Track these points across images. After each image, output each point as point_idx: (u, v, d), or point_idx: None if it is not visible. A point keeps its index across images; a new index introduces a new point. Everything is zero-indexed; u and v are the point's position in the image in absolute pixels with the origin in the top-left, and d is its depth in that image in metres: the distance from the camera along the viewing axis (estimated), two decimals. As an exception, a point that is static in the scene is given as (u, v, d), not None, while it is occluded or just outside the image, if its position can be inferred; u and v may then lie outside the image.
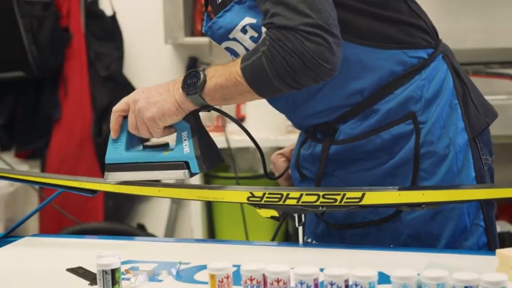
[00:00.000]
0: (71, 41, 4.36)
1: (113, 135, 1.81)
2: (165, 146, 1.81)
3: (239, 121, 2.00)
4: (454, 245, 1.79)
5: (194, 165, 1.75)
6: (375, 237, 1.82)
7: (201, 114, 1.79)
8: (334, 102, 1.79)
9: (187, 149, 1.76)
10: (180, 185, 1.88)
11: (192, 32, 4.36)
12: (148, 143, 1.83)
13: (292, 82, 1.64)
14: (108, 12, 4.45)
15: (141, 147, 1.83)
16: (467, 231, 1.80)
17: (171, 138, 1.81)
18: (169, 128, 1.77)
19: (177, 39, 4.25)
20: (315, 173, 1.84)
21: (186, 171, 1.76)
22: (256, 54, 1.65)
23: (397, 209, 1.78)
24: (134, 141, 1.82)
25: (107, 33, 4.46)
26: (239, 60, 1.68)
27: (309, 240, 1.95)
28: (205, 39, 4.23)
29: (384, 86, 1.77)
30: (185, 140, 1.76)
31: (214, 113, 4.34)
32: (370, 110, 1.78)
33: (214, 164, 1.80)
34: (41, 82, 4.40)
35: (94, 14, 4.42)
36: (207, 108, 1.75)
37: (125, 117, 1.80)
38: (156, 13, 4.35)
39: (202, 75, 1.70)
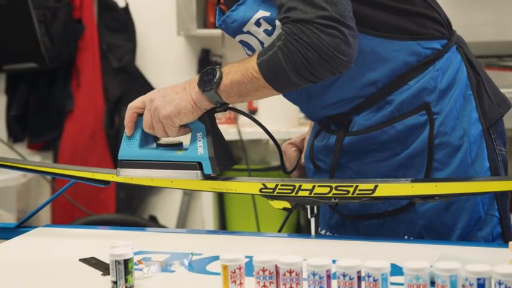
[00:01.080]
0: (84, 32, 4.37)
1: (127, 132, 1.82)
2: (178, 146, 1.81)
3: (251, 115, 1.99)
4: (469, 235, 1.78)
5: (207, 167, 1.76)
6: (390, 228, 1.82)
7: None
8: (348, 93, 1.79)
9: (201, 149, 1.77)
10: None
11: (204, 24, 4.36)
12: (161, 142, 1.83)
13: (309, 75, 1.64)
14: (121, 4, 4.46)
15: (154, 145, 1.83)
16: (481, 221, 1.79)
17: (183, 138, 1.82)
18: (184, 128, 1.78)
19: (190, 31, 4.25)
20: (329, 165, 1.84)
21: (199, 172, 1.77)
22: (273, 49, 1.65)
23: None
24: (148, 139, 1.83)
25: (119, 24, 4.47)
26: (255, 56, 1.69)
27: (323, 231, 1.95)
28: (217, 31, 4.23)
29: (397, 77, 1.77)
30: (199, 140, 1.77)
31: (226, 105, 4.35)
32: (384, 101, 1.78)
33: (227, 166, 1.81)
34: (53, 74, 4.41)
35: (107, 5, 4.43)
36: (223, 106, 1.76)
37: (140, 115, 1.80)
38: (169, 5, 4.36)
39: (218, 72, 1.71)
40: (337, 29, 1.61)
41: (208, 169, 1.77)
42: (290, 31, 1.63)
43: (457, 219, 1.79)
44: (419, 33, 1.78)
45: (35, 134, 4.49)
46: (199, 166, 1.77)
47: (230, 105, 1.79)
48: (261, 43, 1.76)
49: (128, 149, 1.82)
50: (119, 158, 1.83)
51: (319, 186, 1.73)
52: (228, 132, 3.72)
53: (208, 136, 1.76)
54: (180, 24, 4.24)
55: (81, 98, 4.39)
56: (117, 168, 1.84)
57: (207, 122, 1.77)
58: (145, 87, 4.47)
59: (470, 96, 1.81)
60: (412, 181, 1.69)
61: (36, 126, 4.47)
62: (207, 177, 1.78)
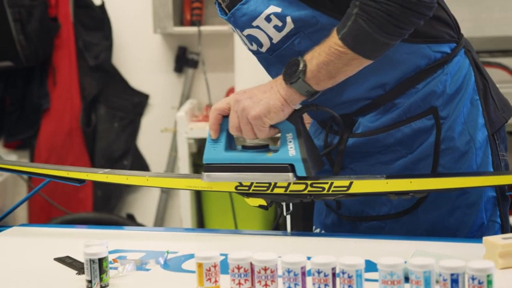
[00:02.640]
0: (60, 30, 4.35)
1: (212, 135, 1.75)
2: (265, 148, 1.76)
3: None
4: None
5: (300, 169, 1.71)
6: (391, 231, 1.81)
7: (192, 103, 1.78)
8: (356, 94, 1.77)
9: (292, 151, 1.71)
10: (168, 174, 1.88)
11: (181, 21, 4.35)
12: (247, 144, 1.77)
13: (396, 30, 1.60)
14: (97, 2, 4.44)
15: (239, 148, 1.78)
16: (484, 227, 1.79)
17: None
18: (273, 128, 1.72)
19: (166, 29, 4.24)
20: (329, 165, 1.84)
21: (291, 174, 1.71)
22: (350, 18, 1.61)
23: (415, 203, 1.77)
24: (232, 142, 1.77)
25: (95, 22, 4.45)
26: (334, 33, 1.63)
27: (317, 230, 1.95)
28: (194, 29, 4.22)
29: (406, 80, 1.75)
30: (290, 141, 1.71)
31: (203, 102, 4.35)
32: (391, 104, 1.76)
33: (318, 167, 1.75)
34: (29, 72, 4.39)
35: (82, 3, 4.41)
36: (314, 96, 1.69)
37: (225, 117, 1.74)
38: (145, 3, 4.34)
39: (301, 61, 1.65)
40: None
41: (301, 171, 1.71)
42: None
43: (459, 225, 1.78)
44: (432, 36, 1.76)
45: (11, 133, 4.47)
46: (291, 168, 1.71)
47: (318, 105, 1.74)
48: (270, 38, 1.75)
49: (214, 152, 1.75)
50: (204, 162, 1.76)
51: (294, 183, 1.73)
52: (205, 130, 3.71)
53: (299, 137, 1.71)
54: (156, 22, 4.23)
55: (57, 96, 4.38)
56: (203, 173, 1.77)
57: (297, 123, 1.71)
58: (122, 85, 4.46)
59: (477, 101, 1.79)
60: (387, 177, 1.69)
61: (12, 125, 4.45)
62: (299, 178, 1.73)
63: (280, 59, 1.76)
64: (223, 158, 1.75)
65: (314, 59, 1.64)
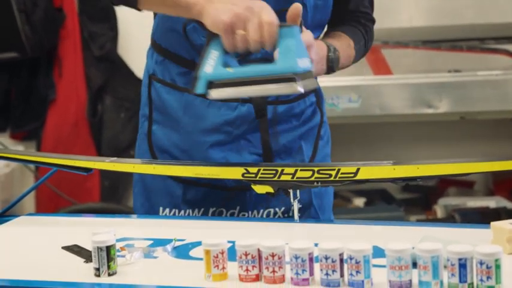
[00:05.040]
0: (65, 21, 4.35)
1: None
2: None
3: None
4: None
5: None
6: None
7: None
8: None
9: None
10: (175, 162, 1.88)
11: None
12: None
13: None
14: (102, -8, 4.44)
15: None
16: None
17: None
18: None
19: (171, 18, 4.23)
20: (237, 135, 1.95)
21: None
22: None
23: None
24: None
25: (100, 12, 4.45)
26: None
27: (167, 210, 2.00)
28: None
29: None
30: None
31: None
32: None
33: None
34: (35, 63, 4.39)
35: (88, -7, 4.41)
36: None
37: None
38: (150, -8, 4.33)
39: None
40: None
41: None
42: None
43: None
44: None
45: (18, 124, 4.48)
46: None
47: None
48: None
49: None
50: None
51: (301, 170, 1.73)
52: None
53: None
54: (161, 11, 4.21)
55: (63, 87, 4.38)
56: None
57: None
58: (128, 75, 4.46)
59: None
60: (394, 164, 1.69)
61: (19, 116, 4.45)
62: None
63: None
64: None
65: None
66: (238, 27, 1.64)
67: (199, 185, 1.95)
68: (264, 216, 1.97)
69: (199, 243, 1.60)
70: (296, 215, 1.82)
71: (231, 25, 1.64)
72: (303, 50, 1.67)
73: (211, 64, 1.69)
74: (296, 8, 1.71)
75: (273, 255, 1.36)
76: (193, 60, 1.91)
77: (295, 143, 1.97)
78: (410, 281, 1.30)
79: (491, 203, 3.99)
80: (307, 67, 1.67)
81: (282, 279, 1.37)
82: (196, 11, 1.70)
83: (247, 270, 1.38)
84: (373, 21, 2.11)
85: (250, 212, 1.97)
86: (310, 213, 1.99)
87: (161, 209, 1.98)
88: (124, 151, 4.45)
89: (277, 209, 1.98)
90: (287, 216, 1.98)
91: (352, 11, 2.08)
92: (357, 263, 1.32)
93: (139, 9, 1.85)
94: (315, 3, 1.90)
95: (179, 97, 1.96)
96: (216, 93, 1.69)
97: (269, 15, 1.64)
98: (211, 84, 1.69)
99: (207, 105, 1.92)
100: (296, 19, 1.70)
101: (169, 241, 1.63)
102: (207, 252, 1.40)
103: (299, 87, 1.63)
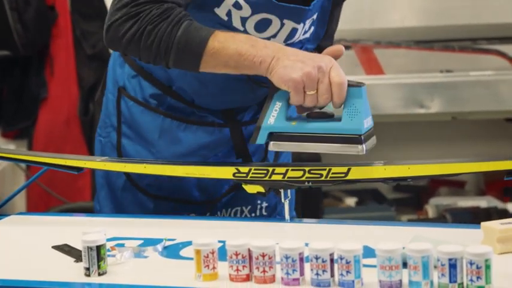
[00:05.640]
0: (57, 19, 4.33)
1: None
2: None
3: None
4: None
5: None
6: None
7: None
8: None
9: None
10: (166, 161, 1.88)
11: (178, 9, 4.33)
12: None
13: None
14: (94, -9, 4.42)
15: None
16: None
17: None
18: None
19: (164, 17, 4.22)
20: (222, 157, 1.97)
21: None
22: None
23: None
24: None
25: (93, 11, 4.43)
26: None
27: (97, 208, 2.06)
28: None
29: None
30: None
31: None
32: None
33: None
34: (27, 61, 4.37)
35: (80, -9, 4.40)
36: None
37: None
38: (142, -9, 4.32)
39: None
40: None
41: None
42: None
43: None
44: None
45: (9, 123, 4.46)
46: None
47: None
48: None
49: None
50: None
51: (292, 170, 1.73)
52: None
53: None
54: (153, 10, 4.21)
55: (55, 85, 4.36)
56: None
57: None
58: (120, 74, 4.45)
59: None
60: (385, 164, 1.70)
61: (10, 114, 4.43)
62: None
63: None
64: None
65: None
66: (309, 87, 1.64)
67: (170, 199, 1.96)
68: (232, 215, 2.00)
69: (189, 243, 1.60)
70: (287, 215, 1.82)
71: (302, 84, 1.64)
72: (368, 110, 1.68)
73: (274, 116, 1.70)
74: (339, 50, 1.76)
75: (263, 255, 1.36)
76: (170, 86, 1.91)
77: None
78: (401, 281, 1.31)
79: (483, 203, 3.99)
80: (370, 125, 1.68)
81: (272, 279, 1.37)
82: (264, 69, 1.67)
83: (237, 270, 1.38)
84: None
85: (219, 213, 2.00)
86: (277, 213, 2.03)
87: None
88: (116, 150, 4.44)
89: (243, 208, 1.99)
90: (254, 216, 2.00)
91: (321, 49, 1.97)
92: (348, 263, 1.32)
93: (198, 72, 1.75)
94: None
95: (154, 119, 1.95)
96: (276, 146, 1.71)
97: (339, 74, 1.64)
98: (272, 136, 1.71)
99: (183, 129, 1.92)
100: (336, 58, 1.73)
101: (159, 241, 1.63)
102: (198, 252, 1.40)
103: (363, 149, 1.65)
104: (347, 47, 3.93)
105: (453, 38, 4.18)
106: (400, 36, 4.13)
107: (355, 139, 1.65)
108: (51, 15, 4.31)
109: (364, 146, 1.65)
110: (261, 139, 1.71)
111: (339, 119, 1.67)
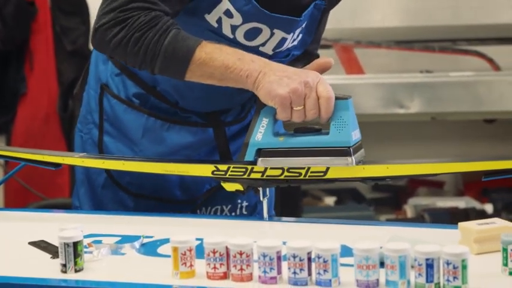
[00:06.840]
0: (37, 15, 4.31)
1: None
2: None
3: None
4: None
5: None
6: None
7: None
8: None
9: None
10: (145, 158, 1.87)
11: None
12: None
13: None
14: (75, -14, 4.41)
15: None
16: None
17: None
18: None
19: (145, 14, 4.21)
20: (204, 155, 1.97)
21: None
22: None
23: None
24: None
25: (73, 7, 4.42)
26: None
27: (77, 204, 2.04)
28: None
29: None
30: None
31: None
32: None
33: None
34: (6, 56, 4.35)
35: (60, -13, 4.38)
36: None
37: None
38: (123, -13, 4.31)
39: None
40: None
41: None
42: None
43: None
44: None
45: (-13, 118, 4.44)
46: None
47: None
48: None
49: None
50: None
51: (271, 168, 1.72)
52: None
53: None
54: (134, 6, 4.20)
55: (34, 81, 4.34)
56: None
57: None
58: (100, 70, 4.43)
59: None
60: (364, 163, 1.70)
61: (-11, 109, 4.42)
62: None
63: None
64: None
65: None
66: (296, 103, 1.64)
67: (150, 198, 1.95)
68: (212, 214, 2.00)
69: (167, 240, 1.59)
70: (265, 213, 1.82)
71: (289, 100, 1.64)
72: (355, 122, 1.69)
73: (261, 132, 1.70)
74: (328, 62, 1.81)
75: (240, 253, 1.36)
76: (154, 87, 1.91)
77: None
78: (378, 280, 1.31)
79: (461, 203, 4.01)
80: (358, 138, 1.69)
81: (249, 278, 1.37)
82: (250, 83, 1.67)
83: (214, 268, 1.38)
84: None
85: (199, 211, 2.00)
86: (258, 212, 2.03)
87: None
88: (95, 147, 4.42)
89: (224, 207, 1.99)
90: (234, 215, 2.00)
91: (308, 53, 2.00)
92: (325, 262, 1.32)
93: (183, 80, 1.74)
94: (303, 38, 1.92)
95: (138, 118, 1.94)
96: (264, 162, 1.71)
97: (325, 89, 1.64)
98: (261, 152, 1.71)
99: (166, 129, 1.92)
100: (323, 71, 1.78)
101: (137, 238, 1.63)
102: (175, 249, 1.40)
103: (353, 161, 1.65)
104: (328, 46, 3.94)
105: (433, 38, 4.20)
106: (381, 36, 4.14)
107: (344, 151, 1.66)
108: (31, 10, 4.29)
109: (353, 158, 1.66)
110: (249, 156, 1.71)
111: (327, 133, 1.68)
